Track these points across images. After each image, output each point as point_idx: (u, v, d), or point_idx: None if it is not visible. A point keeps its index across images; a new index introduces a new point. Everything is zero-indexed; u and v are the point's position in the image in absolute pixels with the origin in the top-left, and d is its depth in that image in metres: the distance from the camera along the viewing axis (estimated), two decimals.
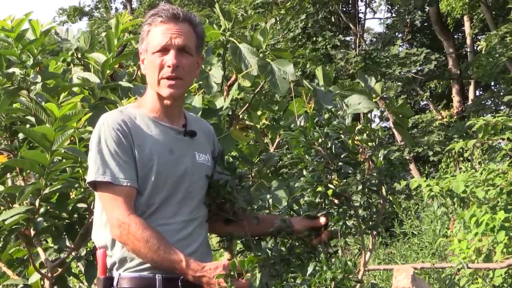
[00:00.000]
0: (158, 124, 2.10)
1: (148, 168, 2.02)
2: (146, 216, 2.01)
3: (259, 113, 3.46)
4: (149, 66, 2.09)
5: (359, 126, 2.20)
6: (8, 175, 3.01)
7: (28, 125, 2.81)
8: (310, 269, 1.98)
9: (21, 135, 2.96)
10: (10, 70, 2.81)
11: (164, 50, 2.06)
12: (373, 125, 2.22)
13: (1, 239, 2.85)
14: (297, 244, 2.17)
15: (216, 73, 3.07)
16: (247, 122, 3.37)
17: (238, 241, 2.27)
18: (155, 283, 1.98)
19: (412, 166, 13.52)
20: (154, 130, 2.08)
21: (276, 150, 3.51)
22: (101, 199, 2.03)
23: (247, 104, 3.21)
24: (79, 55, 3.15)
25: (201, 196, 2.14)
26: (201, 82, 3.04)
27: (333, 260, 2.00)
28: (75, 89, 2.95)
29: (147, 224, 1.96)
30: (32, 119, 2.78)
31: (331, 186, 2.11)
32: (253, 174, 3.21)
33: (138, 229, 1.94)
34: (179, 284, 1.98)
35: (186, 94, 2.96)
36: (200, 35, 2.15)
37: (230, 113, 3.11)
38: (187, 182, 2.09)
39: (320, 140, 2.12)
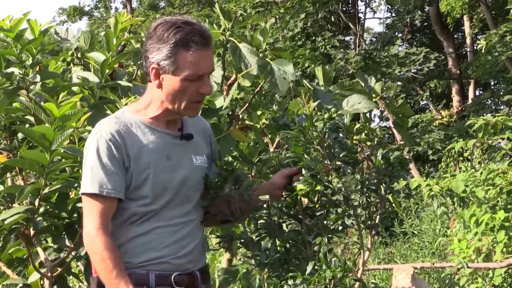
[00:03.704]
0: (154, 131, 2.09)
1: (145, 177, 2.04)
2: (144, 220, 2.05)
3: (259, 113, 3.45)
4: (178, 91, 2.03)
5: (358, 126, 2.20)
6: (8, 174, 3.01)
7: (27, 125, 2.81)
8: (309, 268, 1.98)
9: (20, 135, 2.96)
10: (9, 70, 2.80)
11: (199, 78, 2.05)
12: (373, 125, 2.22)
13: (1, 239, 2.85)
14: (292, 244, 2.17)
15: (216, 73, 3.07)
16: (247, 122, 3.37)
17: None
18: (148, 279, 2.03)
19: (412, 166, 13.52)
20: (151, 137, 2.08)
21: (276, 150, 3.51)
22: (83, 206, 2.07)
23: (247, 104, 3.21)
24: (79, 55, 3.15)
25: (197, 198, 2.16)
26: None
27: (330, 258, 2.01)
28: (75, 88, 2.95)
29: (112, 244, 1.99)
30: (32, 118, 2.78)
31: (330, 185, 2.10)
32: (253, 174, 3.21)
33: (100, 247, 1.98)
34: (172, 280, 2.04)
35: None
36: None
37: (230, 113, 3.11)
38: (186, 187, 2.11)
39: (318, 139, 2.12)
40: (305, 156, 2.13)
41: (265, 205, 2.20)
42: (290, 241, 2.17)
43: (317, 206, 2.14)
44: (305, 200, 2.18)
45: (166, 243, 2.06)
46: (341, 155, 2.12)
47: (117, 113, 2.16)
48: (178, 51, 2.01)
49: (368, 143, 2.19)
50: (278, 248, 2.17)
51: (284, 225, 2.24)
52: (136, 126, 2.08)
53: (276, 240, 2.19)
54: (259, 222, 2.19)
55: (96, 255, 1.99)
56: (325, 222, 2.14)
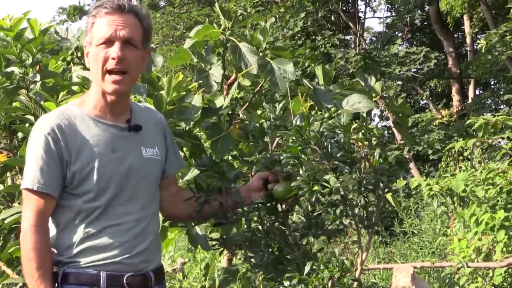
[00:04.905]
0: (99, 123, 2.05)
1: (88, 171, 2.00)
2: (93, 219, 2.01)
3: (259, 112, 3.45)
4: (93, 59, 2.03)
5: (355, 125, 2.19)
6: (8, 174, 3.01)
7: (27, 124, 2.82)
8: (307, 269, 1.98)
9: (20, 134, 2.96)
10: (9, 69, 2.81)
11: (109, 42, 2.00)
12: (373, 124, 2.22)
13: (1, 238, 2.85)
14: (282, 246, 2.17)
15: (216, 72, 3.06)
16: (247, 122, 3.36)
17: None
18: (99, 279, 1.99)
19: (412, 165, 13.52)
20: (95, 130, 2.04)
21: (275, 150, 3.50)
22: (23, 202, 2.04)
23: (247, 103, 3.21)
24: (79, 54, 3.16)
25: (150, 192, 2.12)
26: (200, 81, 3.04)
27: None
28: (75, 88, 2.95)
29: (41, 244, 1.97)
30: (31, 118, 2.78)
31: (328, 185, 2.09)
32: (253, 173, 3.21)
33: (28, 245, 1.96)
34: (124, 281, 2.00)
35: (185, 92, 2.97)
36: (147, 28, 2.09)
37: (230, 112, 3.11)
38: (133, 181, 2.06)
39: (316, 139, 2.11)
40: (302, 156, 2.12)
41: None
42: (278, 243, 2.16)
43: (313, 207, 2.15)
44: (282, 206, 2.20)
45: (118, 242, 2.01)
46: (338, 155, 2.11)
47: (62, 107, 2.13)
48: (95, 22, 2.04)
49: (366, 143, 2.18)
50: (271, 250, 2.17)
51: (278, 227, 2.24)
52: (80, 119, 2.04)
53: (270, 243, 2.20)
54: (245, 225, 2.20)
55: (23, 252, 1.97)
56: (323, 221, 2.14)
